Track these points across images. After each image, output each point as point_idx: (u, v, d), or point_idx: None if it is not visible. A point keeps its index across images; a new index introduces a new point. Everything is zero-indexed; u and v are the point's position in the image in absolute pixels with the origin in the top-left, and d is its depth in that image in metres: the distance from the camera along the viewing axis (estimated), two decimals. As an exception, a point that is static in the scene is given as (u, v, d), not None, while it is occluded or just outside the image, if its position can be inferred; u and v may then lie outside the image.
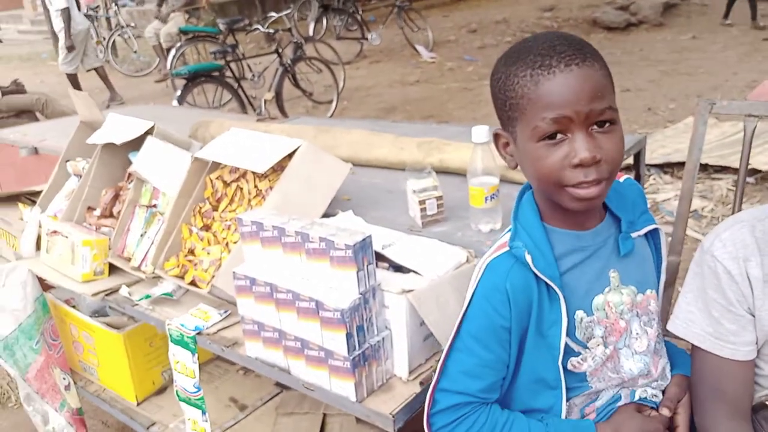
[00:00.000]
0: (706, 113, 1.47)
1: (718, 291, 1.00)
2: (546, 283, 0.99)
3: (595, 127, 0.91)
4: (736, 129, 4.34)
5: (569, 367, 1.04)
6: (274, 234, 1.20)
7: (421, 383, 1.17)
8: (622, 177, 1.18)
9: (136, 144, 1.83)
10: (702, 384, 1.05)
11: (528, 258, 0.97)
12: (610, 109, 0.91)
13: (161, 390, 1.96)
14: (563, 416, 1.05)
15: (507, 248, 1.01)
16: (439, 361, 1.07)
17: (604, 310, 1.04)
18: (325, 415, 1.74)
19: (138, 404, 1.93)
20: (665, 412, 1.08)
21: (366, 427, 1.60)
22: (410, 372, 1.19)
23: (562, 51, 0.90)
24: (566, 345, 1.01)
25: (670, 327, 1.08)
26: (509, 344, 1.02)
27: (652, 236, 1.12)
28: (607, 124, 0.92)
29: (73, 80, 7.28)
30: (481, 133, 1.38)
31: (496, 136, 1.04)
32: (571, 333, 1.02)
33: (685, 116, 4.98)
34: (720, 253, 1.00)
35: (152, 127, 1.82)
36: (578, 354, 1.04)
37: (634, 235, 1.07)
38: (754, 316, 0.99)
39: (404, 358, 1.19)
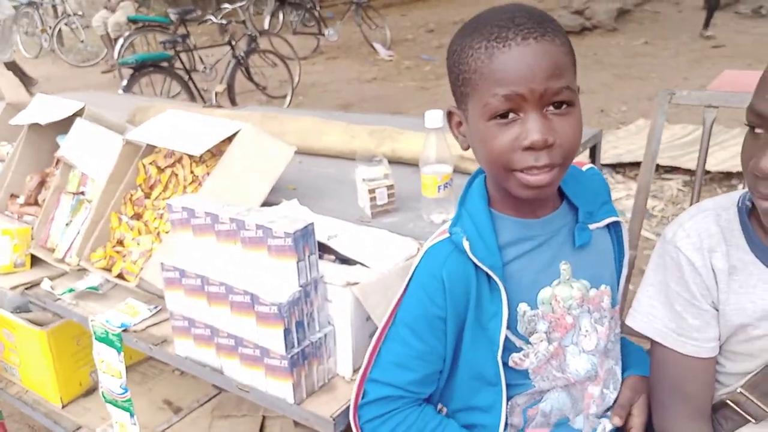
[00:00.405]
0: (665, 104, 1.42)
1: (680, 284, 0.94)
2: (486, 273, 0.91)
3: (550, 108, 0.83)
4: (686, 131, 4.41)
5: (510, 363, 0.96)
6: (206, 221, 1.10)
7: (365, 383, 1.08)
8: (586, 166, 1.11)
9: (67, 127, 1.69)
10: (662, 383, 0.99)
11: (466, 245, 0.90)
12: (567, 89, 0.83)
13: (89, 392, 1.82)
14: (503, 415, 0.96)
15: (447, 234, 0.94)
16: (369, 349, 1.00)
17: (550, 303, 0.96)
18: (264, 417, 1.63)
19: (63, 407, 1.78)
20: (616, 421, 1.01)
21: (306, 431, 1.50)
22: (354, 371, 1.10)
23: (520, 23, 0.82)
24: (507, 340, 0.94)
25: (629, 322, 1.01)
26: (445, 335, 0.95)
27: (614, 229, 1.04)
28: (564, 106, 0.84)
29: (13, 68, 6.95)
30: (435, 118, 1.31)
31: (450, 115, 0.95)
32: (512, 326, 0.94)
33: (636, 118, 5.03)
34: (683, 243, 0.93)
35: (82, 108, 1.68)
36: (520, 350, 0.96)
37: (593, 226, 0.98)
38: (717, 310, 0.93)
39: (348, 356, 1.10)
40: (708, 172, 3.66)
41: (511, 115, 0.83)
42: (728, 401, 0.96)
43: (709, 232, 0.92)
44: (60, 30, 9.62)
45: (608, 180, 3.87)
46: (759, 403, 0.92)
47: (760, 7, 10.09)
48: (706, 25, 8.58)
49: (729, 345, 0.95)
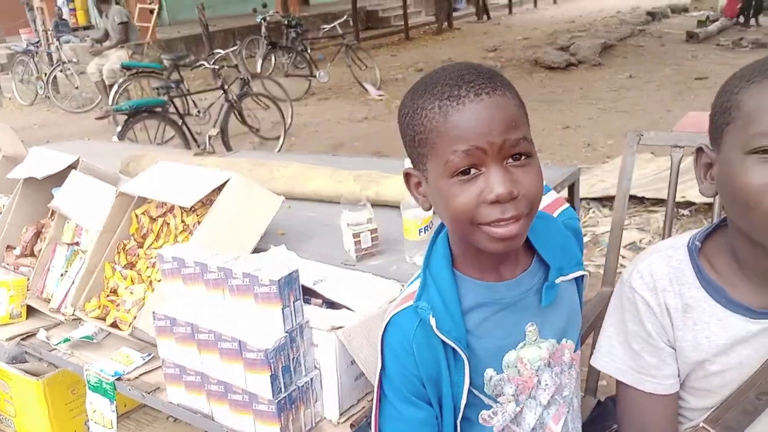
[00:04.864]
0: (635, 144, 1.49)
1: (637, 323, 0.98)
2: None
3: (510, 160, 0.84)
4: (680, 157, 4.50)
5: (480, 420, 0.97)
6: (196, 270, 1.14)
7: (351, 425, 1.12)
8: (561, 207, 1.12)
9: (62, 179, 1.75)
10: (626, 419, 1.02)
11: (432, 322, 0.89)
12: (524, 140, 0.84)
13: (84, 441, 1.84)
14: None
15: (412, 302, 0.93)
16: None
17: (516, 367, 0.95)
18: (257, 462, 1.65)
19: (58, 457, 1.80)
20: None
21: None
22: (341, 414, 1.14)
23: (471, 80, 0.84)
24: (478, 398, 0.95)
25: (593, 362, 1.05)
26: (432, 399, 0.95)
27: (580, 279, 1.04)
28: (523, 158, 0.85)
29: None
30: (414, 164, 1.36)
31: (407, 176, 0.94)
32: (480, 389, 0.95)
33: (622, 152, 5.13)
34: (638, 284, 0.97)
35: (77, 161, 1.74)
36: (489, 407, 0.97)
37: (560, 280, 0.97)
38: (674, 348, 0.97)
39: (334, 400, 1.13)
40: (693, 204, 3.73)
41: (473, 171, 0.83)
42: None
43: (661, 272, 0.96)
44: (55, 77, 9.76)
45: (595, 214, 3.93)
46: None
47: (740, 39, 10.37)
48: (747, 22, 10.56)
49: (690, 381, 0.99)
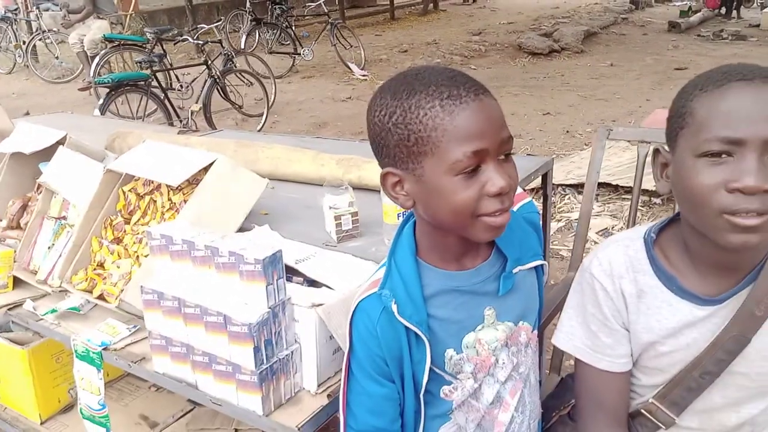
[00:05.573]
0: (604, 139, 1.57)
1: (595, 306, 1.06)
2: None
3: (501, 157, 0.90)
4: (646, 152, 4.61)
5: (441, 395, 1.05)
6: (183, 248, 1.20)
7: (328, 396, 1.19)
8: (525, 200, 1.20)
9: (48, 154, 1.78)
10: (583, 394, 1.11)
11: (394, 308, 0.96)
12: (511, 138, 0.91)
13: (67, 408, 1.89)
14: None
15: (377, 289, 1.00)
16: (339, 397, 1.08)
17: (474, 347, 1.03)
18: (236, 430, 1.73)
19: (42, 423, 1.85)
20: None
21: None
22: (319, 385, 1.21)
23: (464, 82, 0.89)
24: (439, 375, 1.03)
25: (553, 340, 1.13)
26: (395, 376, 1.03)
27: (540, 267, 1.11)
28: (508, 153, 0.92)
29: None
30: (394, 151, 1.42)
31: (386, 176, 0.95)
32: (441, 368, 1.03)
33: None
34: (597, 271, 1.05)
35: (64, 137, 1.77)
36: (450, 383, 1.04)
37: (518, 269, 1.04)
38: (628, 330, 1.05)
39: (313, 372, 1.20)
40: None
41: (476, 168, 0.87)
42: (642, 410, 1.08)
43: (619, 260, 1.04)
44: (34, 46, 9.60)
45: (570, 200, 4.03)
46: (668, 412, 1.05)
47: (721, 31, 10.52)
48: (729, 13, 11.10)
49: (641, 361, 1.07)
